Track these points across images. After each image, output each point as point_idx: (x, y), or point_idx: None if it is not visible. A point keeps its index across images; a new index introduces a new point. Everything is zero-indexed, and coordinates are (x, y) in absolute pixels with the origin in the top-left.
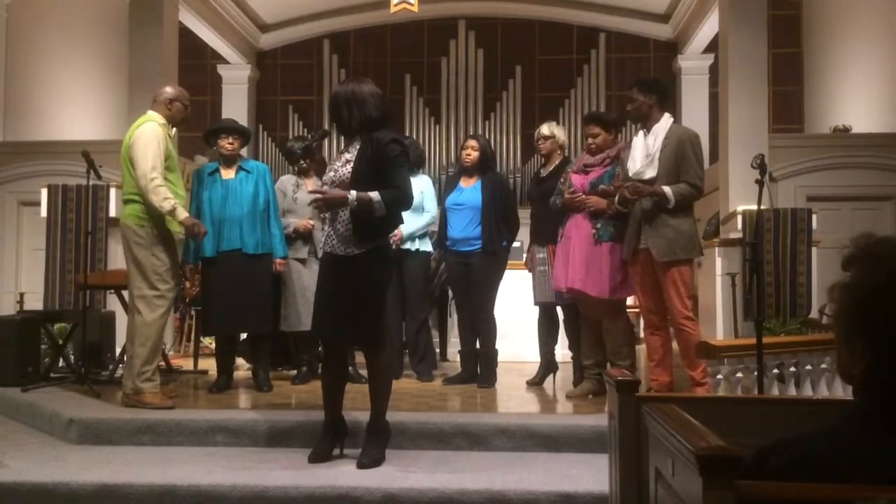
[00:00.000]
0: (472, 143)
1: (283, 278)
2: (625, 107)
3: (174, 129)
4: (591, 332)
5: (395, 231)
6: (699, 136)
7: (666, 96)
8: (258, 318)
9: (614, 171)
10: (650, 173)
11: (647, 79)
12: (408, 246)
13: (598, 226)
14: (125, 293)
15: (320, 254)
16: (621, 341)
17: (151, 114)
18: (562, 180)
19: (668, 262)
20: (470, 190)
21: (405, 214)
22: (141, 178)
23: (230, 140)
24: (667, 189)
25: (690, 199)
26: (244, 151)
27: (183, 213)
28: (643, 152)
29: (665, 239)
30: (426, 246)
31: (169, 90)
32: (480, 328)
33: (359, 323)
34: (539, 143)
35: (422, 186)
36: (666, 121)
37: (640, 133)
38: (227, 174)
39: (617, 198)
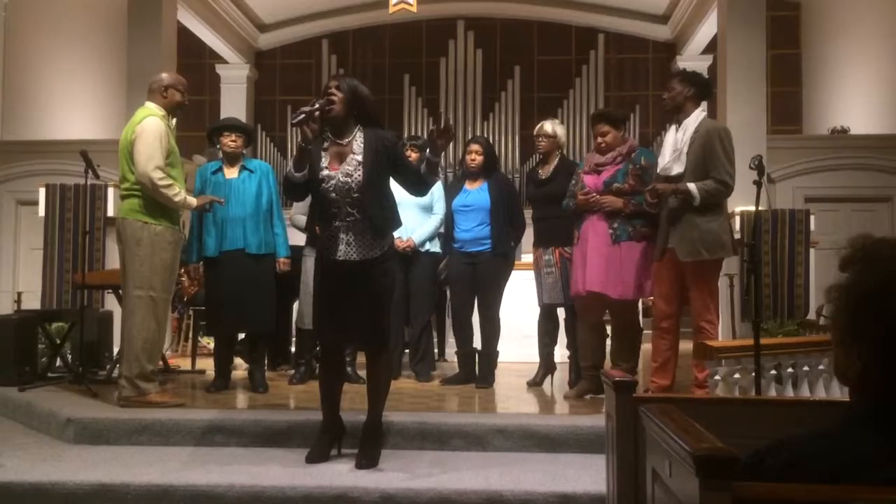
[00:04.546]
0: (476, 147)
1: (304, 277)
2: (624, 107)
3: (174, 120)
4: (591, 334)
5: (407, 240)
6: (730, 130)
7: (704, 92)
8: (261, 318)
9: (627, 168)
10: (677, 169)
11: (689, 71)
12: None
13: (615, 226)
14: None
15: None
16: (630, 344)
17: (149, 105)
18: (573, 182)
19: (693, 263)
20: (476, 192)
21: (417, 219)
22: (142, 176)
23: (233, 138)
24: (691, 186)
25: (718, 197)
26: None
27: (192, 200)
28: (672, 147)
29: (689, 239)
30: (435, 247)
31: (164, 77)
32: (485, 328)
33: (370, 323)
34: (540, 140)
35: (433, 188)
36: (697, 115)
37: (672, 128)
38: (231, 173)
39: (643, 200)
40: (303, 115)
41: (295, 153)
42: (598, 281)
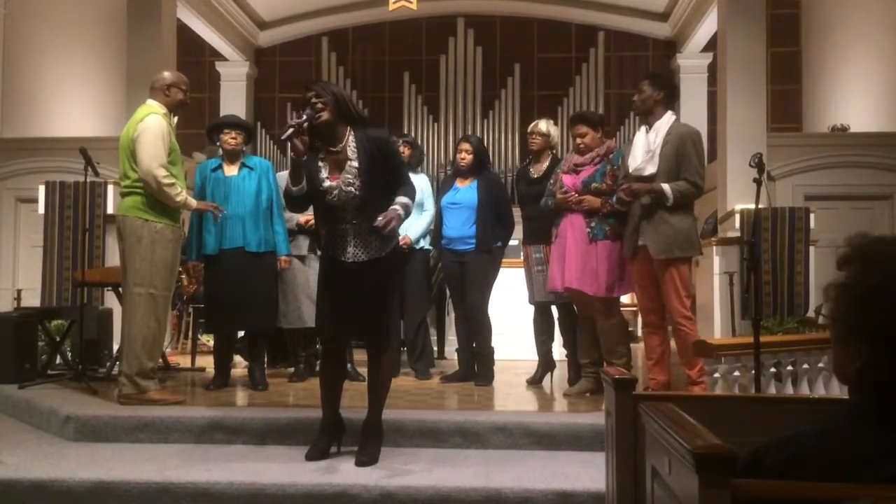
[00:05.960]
0: (466, 145)
1: (283, 275)
2: (624, 105)
3: (175, 118)
4: (589, 331)
5: (403, 237)
6: (701, 133)
7: (674, 95)
8: (261, 316)
9: (605, 168)
10: (650, 170)
11: (660, 73)
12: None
13: (593, 224)
14: None
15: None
16: (616, 340)
17: (151, 103)
18: (551, 181)
19: (665, 261)
20: (465, 189)
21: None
22: (147, 174)
23: (233, 135)
24: (665, 186)
25: (690, 197)
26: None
27: (193, 202)
28: (644, 148)
29: (662, 237)
30: (425, 243)
31: (166, 75)
32: (475, 327)
33: (374, 321)
34: (534, 137)
35: (422, 185)
36: (668, 118)
37: (643, 129)
38: (230, 170)
39: (615, 198)
40: (291, 130)
41: (289, 168)
42: (575, 278)
